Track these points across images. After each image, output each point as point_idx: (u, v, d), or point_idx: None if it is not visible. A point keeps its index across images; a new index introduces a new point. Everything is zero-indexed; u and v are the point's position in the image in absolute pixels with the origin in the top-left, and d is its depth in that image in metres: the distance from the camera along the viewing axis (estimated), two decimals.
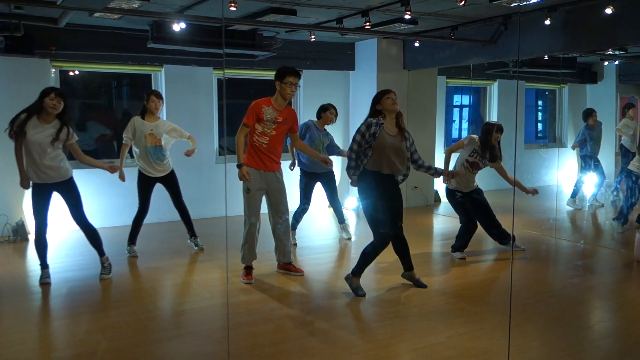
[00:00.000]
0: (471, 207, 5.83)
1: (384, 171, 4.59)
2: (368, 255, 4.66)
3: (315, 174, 6.31)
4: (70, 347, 3.71)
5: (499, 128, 5.73)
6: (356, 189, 4.77)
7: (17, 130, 4.66)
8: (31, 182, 4.84)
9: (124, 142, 5.78)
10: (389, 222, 4.59)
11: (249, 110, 4.87)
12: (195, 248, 6.19)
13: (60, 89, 4.99)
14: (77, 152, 5.00)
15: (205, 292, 4.81)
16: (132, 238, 5.97)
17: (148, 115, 5.81)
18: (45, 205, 4.89)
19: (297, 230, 6.51)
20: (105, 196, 7.28)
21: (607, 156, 8.56)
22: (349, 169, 4.67)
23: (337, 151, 6.48)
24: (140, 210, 5.94)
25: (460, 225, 5.90)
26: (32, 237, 6.65)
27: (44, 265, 5.02)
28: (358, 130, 4.56)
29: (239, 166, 4.81)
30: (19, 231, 6.66)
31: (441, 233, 7.35)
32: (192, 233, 6.20)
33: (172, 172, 5.99)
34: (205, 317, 4.22)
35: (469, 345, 3.65)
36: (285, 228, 5.14)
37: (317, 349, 3.64)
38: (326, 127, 6.40)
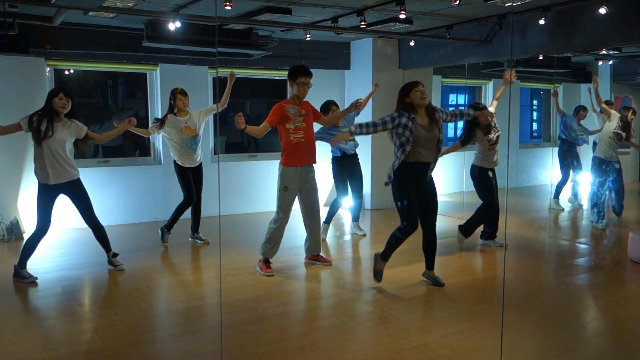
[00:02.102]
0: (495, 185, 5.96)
1: (420, 160, 4.51)
2: (396, 239, 4.64)
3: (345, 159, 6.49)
4: (65, 346, 3.70)
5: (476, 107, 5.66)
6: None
7: (36, 129, 4.82)
8: (38, 183, 4.96)
9: (149, 127, 6.07)
10: (415, 214, 4.56)
11: (272, 111, 5.08)
12: (200, 242, 6.41)
13: (66, 88, 5.17)
14: (95, 138, 5.24)
15: (200, 290, 4.82)
16: (170, 226, 6.22)
17: (178, 113, 6.04)
18: (52, 206, 4.99)
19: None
20: (102, 195, 7.27)
21: None
22: (361, 126, 4.52)
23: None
24: (186, 199, 6.16)
25: (481, 208, 5.97)
26: (27, 235, 6.65)
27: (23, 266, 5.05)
28: (390, 115, 4.49)
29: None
30: (14, 230, 6.64)
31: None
32: (196, 228, 6.43)
33: (201, 165, 6.28)
34: (200, 316, 4.23)
35: (462, 344, 3.67)
36: (316, 221, 5.36)
37: (310, 348, 3.65)
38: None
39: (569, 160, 8.10)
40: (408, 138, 4.41)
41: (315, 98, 8.62)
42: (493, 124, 5.79)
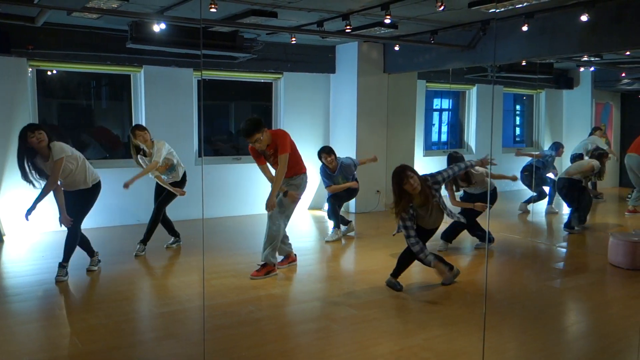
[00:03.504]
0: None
1: (427, 228, 4.93)
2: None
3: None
4: (46, 351, 3.66)
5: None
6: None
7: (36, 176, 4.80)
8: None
9: (150, 173, 5.85)
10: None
11: (252, 153, 5.25)
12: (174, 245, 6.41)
13: (35, 123, 5.08)
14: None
15: (182, 294, 4.79)
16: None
17: (145, 151, 5.86)
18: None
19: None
20: None
21: None
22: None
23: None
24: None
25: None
26: (6, 238, 6.57)
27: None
28: (405, 218, 4.67)
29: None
30: None
31: None
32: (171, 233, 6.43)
33: (184, 175, 6.21)
34: (182, 320, 4.20)
35: (445, 347, 3.69)
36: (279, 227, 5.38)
37: (293, 352, 3.65)
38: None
39: (535, 181, 8.21)
40: (412, 225, 4.73)
41: (300, 102, 8.71)
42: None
